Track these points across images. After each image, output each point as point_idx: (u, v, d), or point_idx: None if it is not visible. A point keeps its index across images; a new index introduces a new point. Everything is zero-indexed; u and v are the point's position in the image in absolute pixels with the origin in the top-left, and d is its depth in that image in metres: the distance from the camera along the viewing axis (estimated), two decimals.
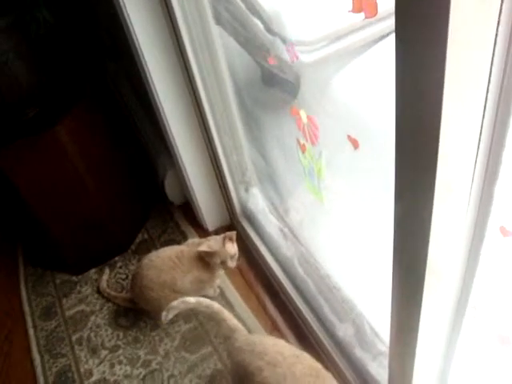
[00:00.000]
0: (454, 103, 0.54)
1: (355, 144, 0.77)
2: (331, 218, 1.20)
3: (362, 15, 0.63)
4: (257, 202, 1.90)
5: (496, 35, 0.51)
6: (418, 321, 0.83)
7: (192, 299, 1.36)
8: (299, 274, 1.64)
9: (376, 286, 1.28)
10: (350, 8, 0.60)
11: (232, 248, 1.68)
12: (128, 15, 1.45)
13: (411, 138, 0.61)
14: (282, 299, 1.75)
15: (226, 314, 1.36)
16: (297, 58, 1.45)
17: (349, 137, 0.77)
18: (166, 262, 1.71)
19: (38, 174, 1.72)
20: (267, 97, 1.80)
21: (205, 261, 1.69)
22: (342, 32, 1.30)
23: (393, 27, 0.53)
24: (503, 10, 0.50)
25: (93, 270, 2.08)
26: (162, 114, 1.70)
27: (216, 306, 1.36)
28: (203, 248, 1.65)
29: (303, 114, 0.93)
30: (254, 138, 1.68)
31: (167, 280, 1.69)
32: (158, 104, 1.67)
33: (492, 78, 0.55)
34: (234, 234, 1.69)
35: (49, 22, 1.88)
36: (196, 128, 1.79)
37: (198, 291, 1.73)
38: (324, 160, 0.94)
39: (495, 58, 0.53)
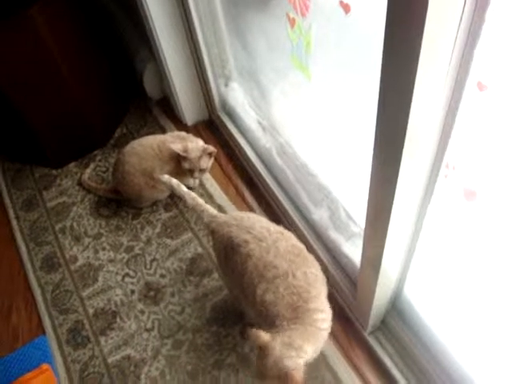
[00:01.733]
0: None
1: (347, 9, 0.79)
2: (316, 99, 1.23)
3: None
4: (236, 96, 1.91)
5: None
6: (394, 190, 0.90)
7: (184, 188, 1.39)
8: (277, 164, 1.70)
9: (351, 170, 1.35)
10: None
11: (205, 163, 1.72)
12: None
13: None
14: (260, 189, 1.82)
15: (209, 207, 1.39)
16: None
17: (341, 2, 0.79)
18: (148, 150, 1.75)
19: (13, 60, 1.68)
20: None
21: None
22: None
23: None
24: None
25: (72, 164, 2.10)
26: (145, 4, 1.66)
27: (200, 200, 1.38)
28: (175, 148, 1.68)
29: None
30: (237, 31, 1.66)
31: (147, 167, 1.74)
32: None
33: None
34: (214, 151, 1.72)
35: None
36: (178, 20, 1.76)
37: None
38: (313, 32, 0.96)
39: None
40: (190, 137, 1.79)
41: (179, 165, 1.72)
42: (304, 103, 1.36)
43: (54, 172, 2.09)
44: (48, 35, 1.70)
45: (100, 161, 2.09)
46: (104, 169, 2.06)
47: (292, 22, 1.03)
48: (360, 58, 0.90)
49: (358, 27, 0.82)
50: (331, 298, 1.19)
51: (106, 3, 2.33)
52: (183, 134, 1.81)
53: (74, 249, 1.82)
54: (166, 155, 1.74)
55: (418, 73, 0.68)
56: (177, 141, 1.75)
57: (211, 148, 1.71)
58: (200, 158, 1.69)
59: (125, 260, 1.75)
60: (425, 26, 0.63)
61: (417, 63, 0.67)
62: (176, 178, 1.42)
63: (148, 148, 1.75)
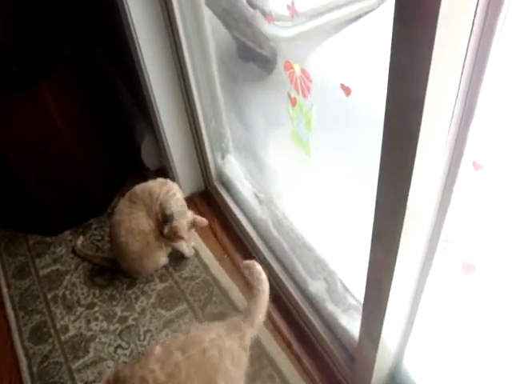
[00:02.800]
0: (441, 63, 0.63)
1: (347, 91, 0.84)
2: (315, 174, 1.28)
3: None
4: (233, 168, 1.97)
5: None
6: (394, 265, 0.92)
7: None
8: (273, 236, 1.72)
9: (348, 243, 1.37)
10: None
11: (189, 236, 1.76)
12: None
13: (400, 89, 0.69)
14: (256, 261, 1.83)
15: None
16: (275, 31, 1.52)
17: (342, 85, 0.85)
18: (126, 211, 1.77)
19: (19, 130, 1.73)
20: (244, 71, 1.86)
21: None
22: (321, 9, 1.38)
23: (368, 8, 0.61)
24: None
25: (67, 232, 2.11)
26: (147, 80, 1.74)
27: None
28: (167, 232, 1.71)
29: (297, 68, 1.00)
30: (235, 105, 1.74)
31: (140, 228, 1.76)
32: (144, 70, 1.71)
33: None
34: (205, 223, 1.76)
35: None
36: (177, 94, 1.83)
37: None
38: (315, 111, 1.02)
39: None
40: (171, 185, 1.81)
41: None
42: (302, 178, 1.41)
43: (49, 239, 2.09)
44: (54, 108, 1.76)
45: (95, 229, 2.10)
46: (99, 237, 2.07)
47: (293, 101, 1.09)
48: (360, 137, 0.95)
49: (358, 108, 0.88)
50: (328, 371, 1.17)
51: (108, 76, 2.43)
52: (170, 183, 1.82)
53: (66, 318, 1.79)
54: (141, 207, 1.75)
55: (417, 154, 0.72)
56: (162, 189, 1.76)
57: (200, 219, 1.75)
58: (187, 230, 1.72)
59: (118, 331, 1.72)
60: (423, 115, 0.68)
61: (416, 145, 0.72)
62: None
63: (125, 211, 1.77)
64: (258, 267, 1.43)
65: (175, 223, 1.69)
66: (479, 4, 0.61)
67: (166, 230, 1.71)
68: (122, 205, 1.80)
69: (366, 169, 0.96)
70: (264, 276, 1.41)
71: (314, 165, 1.22)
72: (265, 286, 1.39)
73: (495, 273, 0.83)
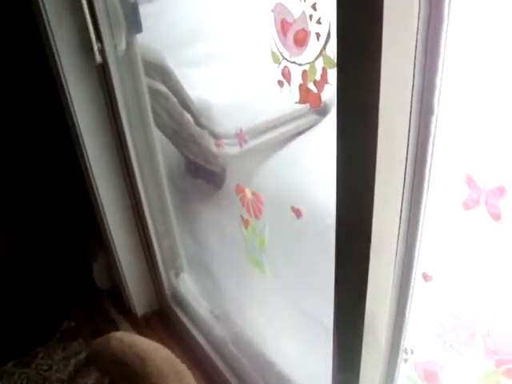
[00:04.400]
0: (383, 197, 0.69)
1: (298, 214, 0.89)
2: (272, 290, 1.29)
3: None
4: (188, 286, 1.95)
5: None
6: (358, 379, 0.93)
7: None
8: (233, 353, 1.68)
9: (310, 358, 1.36)
10: (297, 99, 0.75)
11: None
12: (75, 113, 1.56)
13: (346, 208, 0.75)
14: (216, 380, 1.76)
15: None
16: (223, 149, 1.61)
17: (292, 207, 0.90)
18: None
19: None
20: (194, 187, 1.92)
21: None
22: (266, 126, 1.48)
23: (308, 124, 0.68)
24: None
25: (10, 364, 1.97)
26: (98, 199, 1.75)
27: None
28: None
29: (248, 191, 1.05)
30: (187, 223, 1.77)
31: None
32: (95, 190, 1.73)
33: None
34: None
35: None
36: (129, 213, 1.85)
37: None
38: (268, 231, 1.06)
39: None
40: None
41: None
42: (259, 294, 1.41)
43: None
44: None
45: (42, 358, 1.98)
46: (46, 367, 1.94)
47: (246, 222, 1.13)
48: (315, 255, 0.99)
49: (310, 229, 0.92)
50: None
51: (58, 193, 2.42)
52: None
53: None
54: None
55: (369, 273, 0.76)
56: None
57: None
58: None
59: None
60: (371, 239, 0.73)
61: (367, 264, 0.76)
62: None
63: None
64: None
65: None
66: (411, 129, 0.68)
67: None
68: None
69: (322, 286, 0.98)
70: None
71: (270, 282, 1.23)
72: None
73: (456, 380, 0.84)
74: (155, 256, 1.91)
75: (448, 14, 0.61)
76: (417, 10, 0.57)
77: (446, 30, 0.62)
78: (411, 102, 0.66)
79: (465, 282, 0.88)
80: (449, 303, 0.85)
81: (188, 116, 1.78)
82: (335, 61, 0.64)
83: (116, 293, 2.18)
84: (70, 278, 2.24)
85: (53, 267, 2.11)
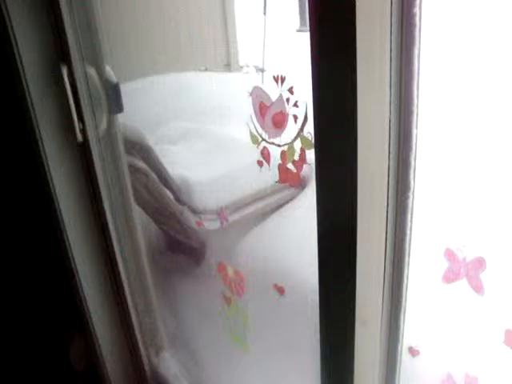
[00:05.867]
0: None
1: (281, 291, 0.88)
2: (255, 369, 1.25)
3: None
4: (168, 365, 1.88)
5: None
6: None
7: None
8: None
9: None
10: (277, 179, 0.77)
11: None
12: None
13: (332, 280, 0.75)
14: None
15: None
16: (203, 225, 1.62)
17: (275, 285, 0.89)
18: None
19: None
20: (174, 263, 1.91)
21: None
22: (246, 201, 1.50)
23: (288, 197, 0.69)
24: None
25: None
26: (76, 277, 1.72)
27: None
28: None
29: (230, 270, 1.04)
30: (168, 300, 1.73)
31: None
32: (74, 268, 1.70)
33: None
34: None
35: None
36: (108, 290, 1.81)
37: None
38: (250, 310, 1.04)
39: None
40: None
41: None
42: (242, 373, 1.37)
43: None
44: None
45: None
46: None
47: (228, 300, 1.11)
48: (298, 330, 0.98)
49: (293, 305, 0.91)
50: None
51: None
52: None
53: None
54: None
55: (355, 349, 0.75)
56: None
57: None
58: None
59: None
60: (356, 307, 0.73)
61: (353, 339, 0.75)
62: None
63: None
64: None
65: None
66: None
67: None
68: None
69: (307, 362, 0.96)
70: None
71: (253, 360, 1.20)
72: None
73: None
74: (135, 334, 1.85)
75: (417, 105, 0.64)
76: (388, 98, 0.60)
77: (416, 126, 0.65)
78: (388, 179, 0.69)
79: (451, 355, 0.87)
80: (436, 377, 0.84)
81: (168, 192, 1.80)
82: (312, 142, 0.66)
83: (93, 374, 2.09)
84: (45, 359, 2.15)
85: (27, 349, 2.02)
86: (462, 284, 0.74)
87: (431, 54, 0.68)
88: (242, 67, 2.29)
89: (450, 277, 0.76)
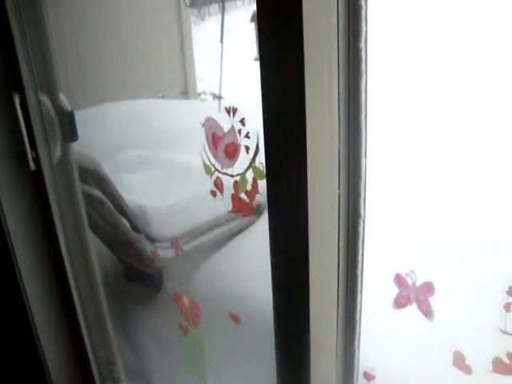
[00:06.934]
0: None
1: (237, 320, 0.88)
2: None
3: None
4: None
5: None
6: None
7: None
8: None
9: None
10: (230, 208, 0.77)
11: None
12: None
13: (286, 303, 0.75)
14: None
15: None
16: (158, 254, 1.60)
17: (230, 314, 0.89)
18: None
19: None
20: (131, 292, 1.87)
21: None
22: (200, 230, 1.49)
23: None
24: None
25: None
26: (27, 307, 1.66)
27: None
28: None
29: (186, 299, 1.03)
30: (125, 331, 1.70)
31: None
32: (25, 299, 1.64)
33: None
34: None
35: None
36: (63, 323, 1.75)
37: None
38: (207, 340, 1.03)
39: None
40: None
41: None
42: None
43: None
44: None
45: None
46: None
47: (185, 330, 1.10)
48: (255, 359, 0.97)
49: (249, 334, 0.91)
50: None
51: None
52: None
53: None
54: None
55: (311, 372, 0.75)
56: None
57: None
58: None
59: None
60: (310, 337, 0.73)
61: (308, 364, 0.75)
62: None
63: None
64: None
65: None
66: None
67: None
68: None
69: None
70: None
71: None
72: None
73: None
74: (90, 368, 1.80)
75: (365, 135, 0.66)
76: (337, 129, 0.62)
77: (365, 156, 0.67)
78: (339, 207, 0.70)
79: (405, 377, 0.89)
80: None
81: (124, 220, 1.77)
82: (264, 172, 0.67)
83: None
84: None
85: None
86: (413, 309, 0.75)
87: (378, 82, 0.70)
88: (199, 94, 2.31)
89: (400, 302, 0.78)
